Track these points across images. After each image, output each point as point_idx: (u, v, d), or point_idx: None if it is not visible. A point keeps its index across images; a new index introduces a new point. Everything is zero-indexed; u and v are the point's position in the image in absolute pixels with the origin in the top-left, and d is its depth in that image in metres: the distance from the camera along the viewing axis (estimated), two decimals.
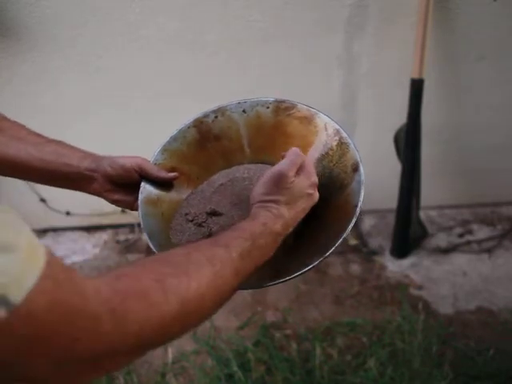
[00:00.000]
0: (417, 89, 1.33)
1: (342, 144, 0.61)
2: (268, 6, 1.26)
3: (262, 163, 0.67)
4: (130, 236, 1.78)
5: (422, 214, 1.65)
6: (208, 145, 0.68)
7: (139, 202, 0.60)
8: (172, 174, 0.63)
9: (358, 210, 0.53)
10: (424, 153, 1.47)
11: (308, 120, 0.65)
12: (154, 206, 0.61)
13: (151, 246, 0.56)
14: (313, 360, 1.30)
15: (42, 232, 1.82)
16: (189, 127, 0.68)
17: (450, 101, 1.48)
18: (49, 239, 1.80)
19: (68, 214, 1.76)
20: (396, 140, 1.50)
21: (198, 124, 0.68)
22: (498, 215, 1.75)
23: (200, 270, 0.40)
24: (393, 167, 1.51)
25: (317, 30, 1.31)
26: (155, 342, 0.37)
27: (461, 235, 1.68)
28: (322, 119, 0.64)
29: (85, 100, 1.45)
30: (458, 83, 1.44)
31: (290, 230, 0.53)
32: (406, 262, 1.59)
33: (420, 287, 1.51)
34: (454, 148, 1.62)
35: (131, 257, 1.70)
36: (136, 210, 0.61)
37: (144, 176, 0.62)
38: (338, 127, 0.62)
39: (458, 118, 1.53)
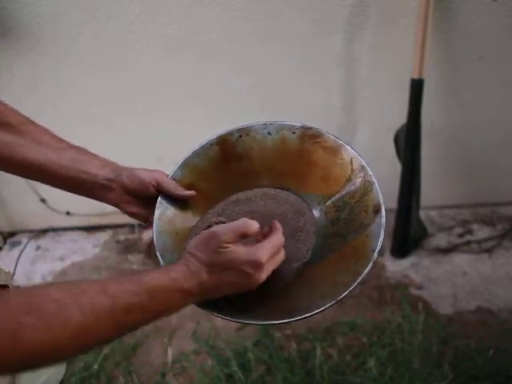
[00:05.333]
0: (417, 89, 1.33)
1: (365, 182, 0.59)
2: (268, 6, 1.26)
3: (281, 188, 0.65)
4: (130, 236, 1.78)
5: (422, 214, 1.65)
6: (229, 164, 0.66)
7: (154, 218, 0.59)
8: (189, 192, 0.62)
9: (375, 254, 0.52)
10: (424, 153, 1.46)
11: (334, 151, 0.63)
12: (168, 223, 0.60)
13: (162, 265, 0.56)
14: (313, 360, 1.29)
15: (41, 232, 1.82)
16: (212, 144, 0.66)
17: (449, 101, 1.48)
18: (49, 239, 1.80)
19: (68, 213, 1.76)
20: (396, 140, 1.50)
21: (222, 141, 0.66)
22: (498, 215, 1.75)
23: (67, 323, 0.39)
24: (393, 167, 1.51)
25: (317, 30, 1.31)
26: None
27: (461, 235, 1.68)
28: (348, 152, 0.62)
29: (85, 100, 1.45)
30: (457, 83, 1.44)
31: (211, 295, 0.50)
32: (406, 262, 1.59)
33: (420, 287, 1.51)
34: (454, 148, 1.62)
35: (131, 257, 1.70)
36: (151, 223, 0.60)
37: (161, 191, 0.61)
38: (364, 164, 0.60)
39: (457, 118, 1.53)
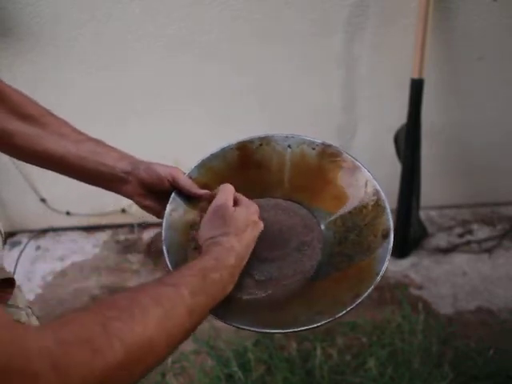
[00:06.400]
0: (417, 89, 1.34)
1: (378, 206, 0.60)
2: (268, 6, 1.26)
3: (292, 201, 0.66)
4: (130, 236, 1.78)
5: (422, 214, 1.65)
6: (246, 170, 0.67)
7: (166, 212, 0.60)
8: (203, 191, 0.62)
9: (378, 278, 0.53)
10: (424, 153, 1.47)
11: (350, 172, 0.63)
12: (179, 219, 0.61)
13: (167, 261, 0.56)
14: (313, 360, 1.29)
15: (41, 232, 1.82)
16: (232, 148, 0.67)
17: (450, 101, 1.48)
18: (49, 239, 1.80)
19: (68, 214, 1.76)
20: (396, 140, 1.50)
21: (242, 147, 0.67)
22: (498, 215, 1.75)
23: (146, 312, 0.38)
24: (393, 167, 1.51)
25: (317, 30, 1.31)
26: None
27: (461, 235, 1.68)
28: (364, 175, 0.62)
29: (85, 100, 1.45)
30: (457, 83, 1.44)
31: (245, 261, 0.53)
32: (406, 262, 1.59)
33: (420, 287, 1.51)
34: (454, 148, 1.62)
35: (131, 257, 1.70)
36: (162, 218, 0.60)
37: (176, 188, 0.62)
38: (378, 188, 0.61)
39: (457, 118, 1.53)
